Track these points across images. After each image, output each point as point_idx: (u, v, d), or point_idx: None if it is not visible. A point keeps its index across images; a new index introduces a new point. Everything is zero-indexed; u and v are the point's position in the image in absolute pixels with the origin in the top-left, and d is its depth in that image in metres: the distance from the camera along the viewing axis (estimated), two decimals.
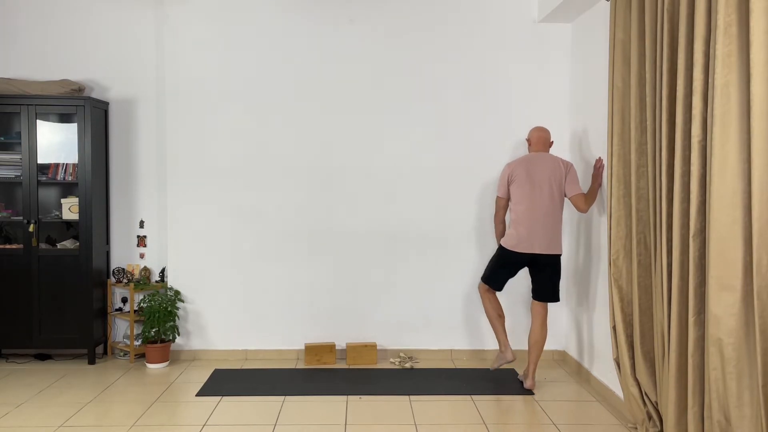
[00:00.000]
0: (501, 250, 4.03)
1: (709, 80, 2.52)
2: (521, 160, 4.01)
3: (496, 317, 4.12)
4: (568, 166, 3.93)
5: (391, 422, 3.48)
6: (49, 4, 4.71)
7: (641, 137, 3.20)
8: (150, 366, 4.48)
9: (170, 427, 3.42)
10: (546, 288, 3.99)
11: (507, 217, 4.16)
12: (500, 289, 4.12)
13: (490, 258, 4.23)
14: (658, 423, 3.15)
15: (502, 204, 4.10)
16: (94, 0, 4.70)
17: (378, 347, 4.66)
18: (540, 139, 4.03)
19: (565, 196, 3.94)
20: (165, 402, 3.80)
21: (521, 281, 4.62)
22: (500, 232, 4.16)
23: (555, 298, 4.01)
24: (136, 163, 4.79)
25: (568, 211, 4.25)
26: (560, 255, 3.99)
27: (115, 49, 4.73)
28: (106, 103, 4.73)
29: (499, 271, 4.07)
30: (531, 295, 4.10)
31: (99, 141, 4.62)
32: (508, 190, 4.01)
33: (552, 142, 4.10)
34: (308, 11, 4.62)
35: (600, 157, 3.98)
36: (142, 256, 4.83)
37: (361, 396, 3.89)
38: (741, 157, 2.42)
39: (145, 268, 4.75)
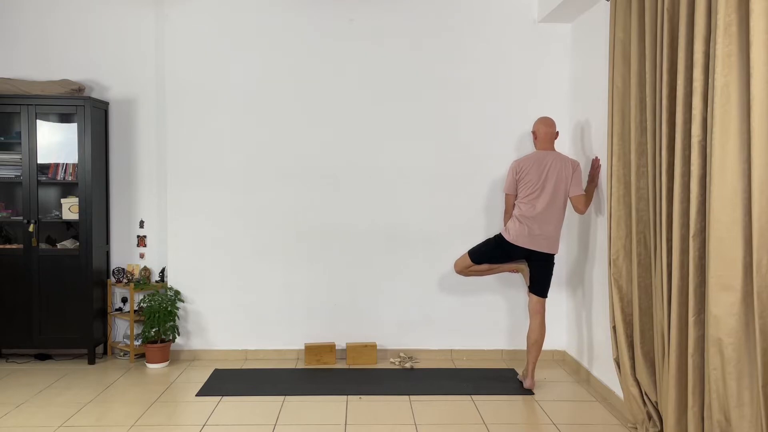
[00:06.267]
0: (500, 239, 4.02)
1: (709, 80, 2.52)
2: (530, 158, 3.97)
3: (487, 269, 4.15)
4: (575, 166, 3.91)
5: (391, 422, 3.48)
6: (50, 4, 4.71)
7: (641, 137, 3.20)
8: (150, 366, 4.48)
9: (170, 427, 3.42)
10: (536, 281, 4.00)
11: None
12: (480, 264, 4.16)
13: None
14: (658, 423, 3.15)
15: (512, 202, 4.05)
16: (94, 0, 4.71)
17: (378, 347, 4.66)
18: (547, 136, 3.99)
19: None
20: (165, 402, 3.80)
21: (520, 285, 4.62)
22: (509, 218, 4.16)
23: (543, 293, 4.01)
24: (136, 163, 4.79)
25: (569, 212, 4.24)
26: (555, 254, 4.01)
27: (115, 49, 4.73)
28: (106, 103, 4.73)
29: (489, 255, 4.08)
30: (528, 289, 4.12)
31: (99, 141, 4.62)
32: (517, 187, 3.99)
33: (557, 133, 4.07)
34: (309, 11, 4.62)
35: (597, 157, 3.98)
36: (142, 256, 4.83)
37: (361, 396, 3.89)
38: (741, 157, 2.42)
39: (145, 268, 4.75)
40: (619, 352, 3.39)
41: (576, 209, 3.96)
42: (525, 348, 4.14)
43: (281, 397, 3.86)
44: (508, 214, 4.11)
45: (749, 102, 2.32)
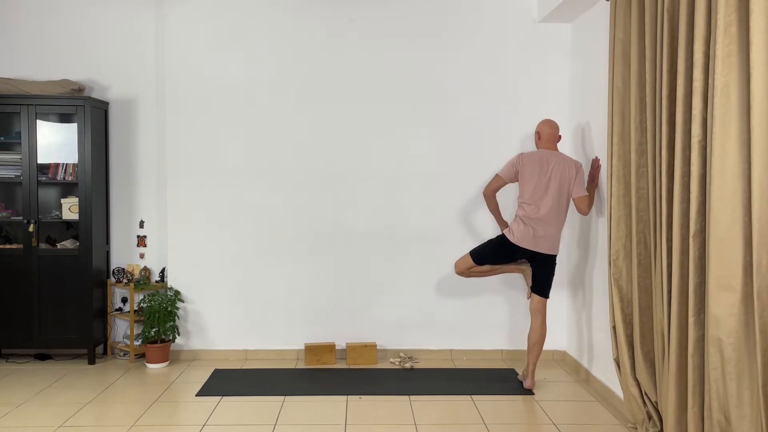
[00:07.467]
0: (503, 240, 4.01)
1: (709, 80, 2.52)
2: (534, 155, 3.96)
3: (489, 270, 4.13)
4: (578, 167, 3.91)
5: (391, 422, 3.48)
6: (49, 4, 4.70)
7: (641, 137, 3.20)
8: (150, 366, 4.48)
9: (170, 427, 3.42)
10: (538, 281, 4.01)
11: (507, 209, 4.21)
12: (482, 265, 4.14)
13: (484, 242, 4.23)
14: (658, 423, 3.15)
15: (500, 183, 4.04)
16: (94, 0, 4.71)
17: (378, 347, 4.66)
18: (551, 137, 3.99)
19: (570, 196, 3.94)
20: (165, 402, 3.80)
21: (520, 286, 4.62)
22: (493, 206, 4.15)
23: (544, 293, 4.01)
24: (136, 163, 4.79)
25: (570, 212, 4.25)
26: (556, 255, 4.01)
27: (115, 49, 4.73)
28: (106, 103, 4.73)
29: (492, 256, 4.07)
30: (528, 290, 4.11)
31: (99, 141, 4.62)
32: (514, 177, 3.97)
33: (560, 136, 4.07)
34: (308, 11, 4.62)
35: (597, 157, 3.98)
36: (142, 256, 4.83)
37: (361, 396, 3.89)
38: (741, 157, 2.42)
39: (145, 268, 4.75)
40: (619, 352, 3.39)
41: (579, 210, 3.95)
42: (525, 348, 4.14)
43: (281, 397, 3.86)
44: (489, 190, 4.09)
45: (749, 102, 2.33)
